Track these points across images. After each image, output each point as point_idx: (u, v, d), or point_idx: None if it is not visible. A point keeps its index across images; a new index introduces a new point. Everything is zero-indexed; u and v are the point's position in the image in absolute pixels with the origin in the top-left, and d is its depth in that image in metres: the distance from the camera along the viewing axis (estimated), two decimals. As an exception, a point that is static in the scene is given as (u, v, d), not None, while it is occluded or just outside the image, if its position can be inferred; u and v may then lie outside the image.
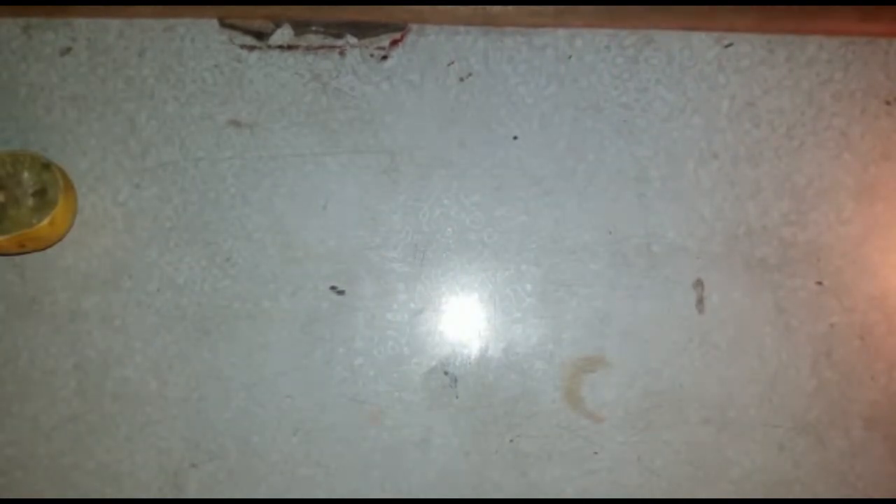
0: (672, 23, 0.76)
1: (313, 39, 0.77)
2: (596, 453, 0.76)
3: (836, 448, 0.77)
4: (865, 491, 0.77)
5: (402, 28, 0.77)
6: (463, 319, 0.77)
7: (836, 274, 0.77)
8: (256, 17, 0.76)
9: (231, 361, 0.75)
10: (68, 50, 0.76)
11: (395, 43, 0.77)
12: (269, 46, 0.77)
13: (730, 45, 0.78)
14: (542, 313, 0.77)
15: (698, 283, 0.77)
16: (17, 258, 0.75)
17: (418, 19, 0.76)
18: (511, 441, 0.76)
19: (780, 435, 0.77)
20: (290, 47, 0.77)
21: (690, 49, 0.78)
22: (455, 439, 0.76)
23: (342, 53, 0.77)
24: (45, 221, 0.67)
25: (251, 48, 0.77)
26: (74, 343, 0.75)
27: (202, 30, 0.76)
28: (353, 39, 0.77)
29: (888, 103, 0.78)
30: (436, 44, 0.77)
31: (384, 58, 0.77)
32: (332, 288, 0.76)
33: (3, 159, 0.68)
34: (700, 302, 0.77)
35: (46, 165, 0.69)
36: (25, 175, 0.68)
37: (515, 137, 0.77)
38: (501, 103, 0.77)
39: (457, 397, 0.76)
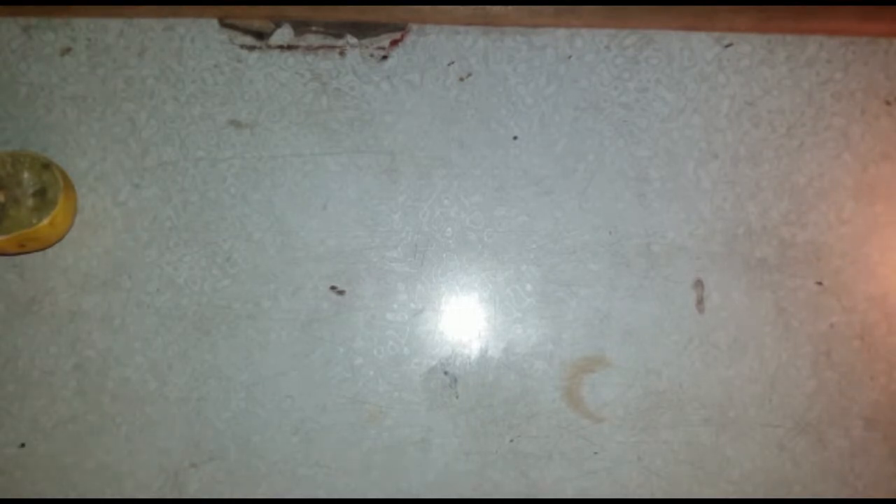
0: (672, 23, 0.76)
1: (313, 39, 0.77)
2: (596, 453, 0.76)
3: (836, 448, 0.77)
4: (865, 491, 0.77)
5: (402, 28, 0.77)
6: (463, 319, 0.77)
7: (836, 274, 0.77)
8: (256, 17, 0.76)
9: (231, 361, 0.75)
10: (68, 50, 0.76)
11: (395, 43, 0.77)
12: (269, 46, 0.77)
13: (730, 45, 0.78)
14: (542, 313, 0.77)
15: (698, 283, 0.77)
16: (17, 258, 0.75)
17: (418, 19, 0.76)
18: (511, 441, 0.76)
19: (780, 435, 0.77)
20: (290, 47, 0.77)
21: (690, 49, 0.78)
22: (455, 439, 0.76)
23: (342, 53, 0.77)
24: (45, 221, 0.67)
25: (251, 48, 0.77)
26: (74, 343, 0.75)
27: (202, 30, 0.76)
28: (353, 39, 0.77)
29: (888, 103, 0.78)
30: (436, 44, 0.77)
31: (384, 58, 0.77)
32: (332, 288, 0.76)
33: (3, 159, 0.68)
34: (700, 302, 0.77)
35: (46, 165, 0.69)
36: (25, 175, 0.68)
37: (515, 137, 0.77)
38: (501, 103, 0.77)
39: (457, 397, 0.76)
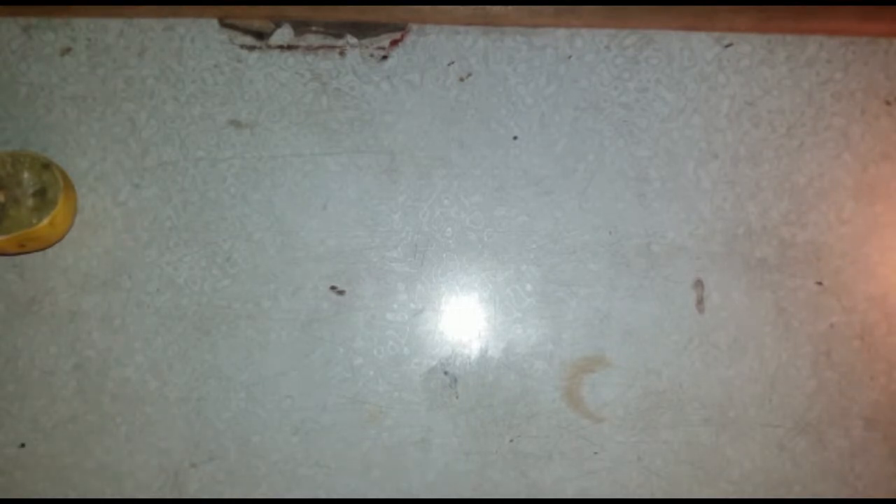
0: (672, 23, 0.76)
1: (313, 39, 0.77)
2: (596, 453, 0.76)
3: (836, 448, 0.77)
4: (865, 491, 0.77)
5: (402, 28, 0.77)
6: (463, 319, 0.77)
7: (836, 274, 0.77)
8: (256, 17, 0.76)
9: (231, 361, 0.75)
10: (68, 50, 0.76)
11: (395, 43, 0.77)
12: (269, 46, 0.77)
13: (730, 45, 0.78)
14: (542, 313, 0.77)
15: (698, 283, 0.77)
16: (17, 258, 0.75)
17: (418, 19, 0.76)
18: (511, 441, 0.76)
19: (780, 435, 0.77)
20: (290, 47, 0.77)
21: (690, 49, 0.78)
22: (455, 439, 0.76)
23: (342, 53, 0.77)
24: (45, 221, 0.67)
25: (251, 48, 0.77)
26: (74, 343, 0.75)
27: (202, 30, 0.76)
28: (353, 39, 0.77)
29: (888, 103, 0.78)
30: (436, 44, 0.77)
31: (384, 58, 0.77)
32: (332, 288, 0.76)
33: (3, 159, 0.68)
34: (700, 302, 0.77)
35: (46, 165, 0.69)
36: (25, 175, 0.68)
37: (515, 137, 0.77)
38: (501, 103, 0.77)
39: (457, 397, 0.76)
